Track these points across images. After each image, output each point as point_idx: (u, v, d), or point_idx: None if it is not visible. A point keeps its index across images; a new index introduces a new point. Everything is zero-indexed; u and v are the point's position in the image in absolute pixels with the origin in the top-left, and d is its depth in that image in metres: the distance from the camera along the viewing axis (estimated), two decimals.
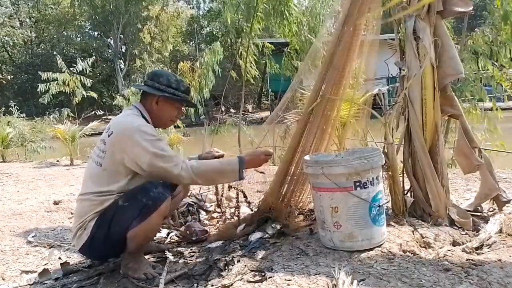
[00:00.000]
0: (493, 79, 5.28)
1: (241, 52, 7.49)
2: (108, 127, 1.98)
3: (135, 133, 1.86)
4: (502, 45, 5.04)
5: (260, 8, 6.77)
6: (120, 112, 2.32)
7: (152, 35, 25.02)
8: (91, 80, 8.18)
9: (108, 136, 1.93)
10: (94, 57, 10.54)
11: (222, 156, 2.39)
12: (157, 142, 1.90)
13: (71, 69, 7.90)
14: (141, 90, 2.15)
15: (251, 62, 7.56)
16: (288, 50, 7.60)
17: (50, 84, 7.74)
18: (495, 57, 5.14)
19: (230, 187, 2.85)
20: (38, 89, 8.15)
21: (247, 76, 7.62)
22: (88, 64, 8.13)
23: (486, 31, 5.37)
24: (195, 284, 1.81)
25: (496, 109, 5.16)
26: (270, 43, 8.27)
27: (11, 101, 11.61)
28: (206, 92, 7.41)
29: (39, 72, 8.23)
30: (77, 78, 7.82)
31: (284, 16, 6.96)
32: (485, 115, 5.26)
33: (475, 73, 5.36)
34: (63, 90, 7.78)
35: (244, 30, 7.18)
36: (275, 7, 6.87)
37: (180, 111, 2.19)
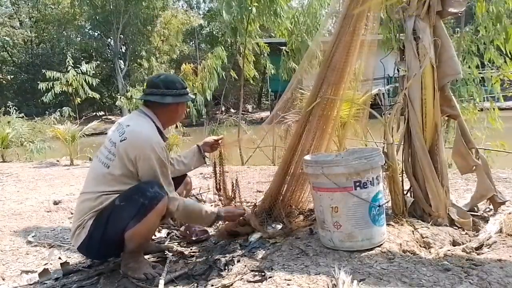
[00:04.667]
0: (489, 80, 5.28)
1: (240, 52, 7.50)
2: (122, 132, 1.96)
3: (149, 151, 1.91)
4: (490, 45, 5.03)
5: (253, 6, 6.76)
6: (121, 112, 2.32)
7: (161, 38, 25.40)
8: (97, 79, 8.22)
9: (121, 141, 1.93)
10: (94, 57, 10.64)
11: (220, 139, 2.49)
12: (164, 167, 1.98)
13: (75, 69, 7.93)
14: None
15: (249, 62, 7.57)
16: (286, 50, 7.58)
17: (53, 83, 7.75)
18: (487, 56, 5.12)
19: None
20: (39, 87, 8.16)
21: (246, 76, 7.63)
22: (92, 68, 8.19)
23: (470, 31, 5.38)
24: (195, 284, 1.81)
25: (494, 109, 5.17)
26: (268, 43, 8.26)
27: (9, 102, 11.61)
28: (209, 94, 7.46)
29: (43, 70, 8.25)
30: (81, 77, 7.85)
31: (277, 14, 6.95)
32: (486, 114, 5.26)
33: (469, 74, 5.36)
34: (65, 90, 7.80)
35: (240, 31, 7.18)
36: (267, 4, 6.85)
37: None
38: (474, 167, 2.36)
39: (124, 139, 1.93)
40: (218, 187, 2.56)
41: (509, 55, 4.81)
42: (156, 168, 1.93)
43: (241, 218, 2.31)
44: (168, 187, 1.98)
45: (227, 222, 2.62)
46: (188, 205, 2.10)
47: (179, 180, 2.40)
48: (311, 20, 7.25)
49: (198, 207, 2.18)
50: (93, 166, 2.07)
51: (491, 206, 2.45)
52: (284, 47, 7.63)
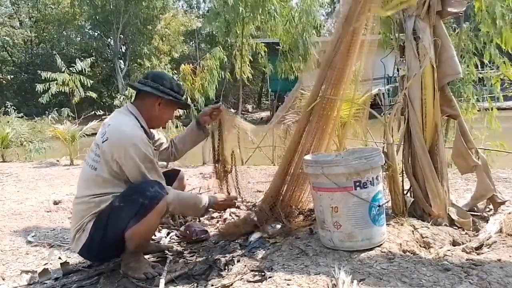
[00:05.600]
0: (489, 80, 5.27)
1: (235, 53, 7.51)
2: (104, 132, 1.95)
3: (130, 148, 1.87)
4: (490, 44, 4.99)
5: (243, 8, 6.76)
6: None
7: (163, 39, 25.42)
8: (91, 81, 8.10)
9: (103, 142, 1.92)
10: (93, 57, 10.48)
11: (218, 108, 2.40)
12: (147, 162, 1.92)
13: (70, 69, 7.87)
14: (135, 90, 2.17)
15: (244, 62, 7.58)
16: (282, 49, 7.57)
17: (50, 84, 7.71)
18: (487, 57, 5.10)
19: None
20: (36, 89, 8.10)
21: (242, 76, 7.65)
22: (87, 65, 8.08)
23: (468, 28, 5.33)
24: (195, 284, 1.81)
25: (492, 109, 5.16)
26: (265, 43, 8.24)
27: (7, 102, 11.55)
28: (212, 94, 7.45)
29: (38, 71, 8.19)
30: (76, 78, 7.78)
31: (271, 15, 6.94)
32: (484, 114, 5.25)
33: (467, 73, 5.34)
34: (63, 90, 7.75)
35: (234, 32, 7.19)
36: (260, 4, 6.82)
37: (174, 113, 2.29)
38: (474, 167, 2.36)
39: (105, 140, 1.91)
40: (216, 158, 2.49)
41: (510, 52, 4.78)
42: (140, 165, 1.89)
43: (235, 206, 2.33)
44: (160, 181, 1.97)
45: (227, 222, 2.62)
46: (180, 193, 2.13)
47: (173, 175, 2.40)
48: (306, 18, 7.22)
49: (190, 195, 2.20)
50: (82, 169, 2.06)
51: (491, 206, 2.45)
52: (279, 47, 7.64)
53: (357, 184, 1.87)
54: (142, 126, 2.02)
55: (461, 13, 2.28)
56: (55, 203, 3.72)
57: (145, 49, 25.48)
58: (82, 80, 7.87)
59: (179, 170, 2.50)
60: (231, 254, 2.05)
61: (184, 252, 2.28)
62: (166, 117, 2.18)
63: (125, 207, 1.85)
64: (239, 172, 2.58)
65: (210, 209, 2.27)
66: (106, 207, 1.88)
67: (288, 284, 1.62)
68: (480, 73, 5.53)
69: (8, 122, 9.84)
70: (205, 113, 2.41)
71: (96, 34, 29.56)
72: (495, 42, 4.68)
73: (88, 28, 29.83)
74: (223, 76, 7.54)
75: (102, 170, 1.91)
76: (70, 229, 2.05)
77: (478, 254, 1.92)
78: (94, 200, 1.89)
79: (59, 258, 2.37)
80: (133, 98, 2.31)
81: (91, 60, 8.59)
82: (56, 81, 7.64)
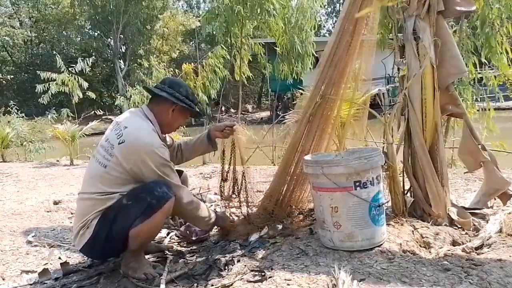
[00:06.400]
0: (488, 80, 5.25)
1: (235, 53, 7.51)
2: (120, 134, 1.94)
3: (149, 155, 1.91)
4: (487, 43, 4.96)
5: (245, 8, 6.75)
6: (120, 112, 2.31)
7: (162, 40, 25.44)
8: (86, 84, 8.06)
9: (119, 143, 1.92)
10: (94, 57, 10.45)
11: (231, 127, 2.36)
12: (166, 167, 1.98)
13: (70, 69, 7.85)
14: (148, 94, 2.19)
15: (244, 63, 7.58)
16: (280, 50, 7.56)
17: (49, 84, 7.70)
18: (486, 56, 5.08)
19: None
20: (36, 90, 8.09)
21: (241, 76, 7.65)
22: (88, 64, 8.05)
23: (464, 27, 5.30)
24: (195, 284, 1.81)
25: (489, 109, 5.16)
26: (265, 43, 8.23)
27: (11, 101, 11.53)
28: (214, 93, 7.45)
29: (37, 72, 8.19)
30: (75, 79, 7.77)
31: (270, 14, 6.91)
32: (483, 114, 5.25)
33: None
34: (63, 90, 7.75)
35: (234, 33, 7.18)
36: (260, 3, 6.80)
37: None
38: (482, 163, 2.35)
39: (122, 142, 1.91)
40: (224, 177, 2.46)
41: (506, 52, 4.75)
42: (158, 171, 1.93)
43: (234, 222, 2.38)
44: (178, 182, 2.04)
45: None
46: (200, 202, 2.18)
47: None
48: (303, 19, 7.19)
49: (206, 207, 2.23)
50: (90, 166, 2.07)
51: (494, 203, 2.44)
52: (277, 48, 7.64)
53: (357, 184, 1.87)
54: (156, 131, 2.05)
55: (477, 11, 2.27)
56: (55, 203, 3.72)
57: (141, 51, 25.42)
58: (80, 81, 7.86)
59: (182, 171, 2.50)
60: (231, 254, 2.05)
61: (184, 252, 2.29)
62: (178, 123, 2.23)
63: (133, 205, 1.86)
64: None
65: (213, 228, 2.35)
66: (112, 204, 1.89)
67: (288, 284, 1.62)
68: (479, 72, 5.52)
69: (8, 122, 9.83)
70: (217, 128, 2.38)
71: (96, 34, 29.58)
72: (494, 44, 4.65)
73: (88, 28, 29.87)
74: (223, 75, 7.54)
75: (113, 169, 1.91)
76: (72, 226, 2.06)
77: (478, 254, 1.92)
78: (100, 197, 1.90)
79: (59, 258, 2.37)
80: (141, 102, 2.34)
81: (92, 60, 8.55)
82: (55, 81, 7.63)
